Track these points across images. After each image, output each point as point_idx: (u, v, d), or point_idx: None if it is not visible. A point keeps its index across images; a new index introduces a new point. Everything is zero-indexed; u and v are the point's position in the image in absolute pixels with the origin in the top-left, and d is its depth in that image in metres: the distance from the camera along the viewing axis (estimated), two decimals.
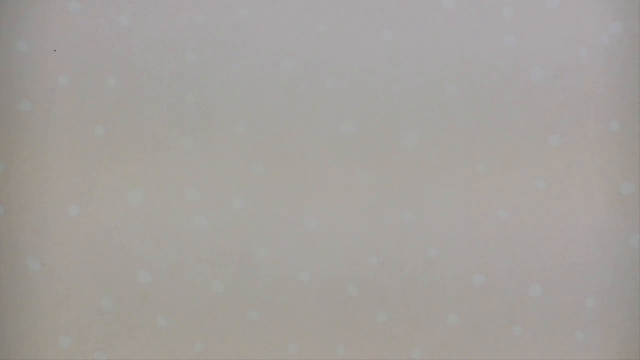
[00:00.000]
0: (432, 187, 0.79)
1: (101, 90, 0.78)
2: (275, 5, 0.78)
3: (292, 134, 0.79)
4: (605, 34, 0.78)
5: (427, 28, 0.79)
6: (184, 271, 0.79)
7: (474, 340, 0.79)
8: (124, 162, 0.78)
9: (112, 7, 0.78)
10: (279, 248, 0.79)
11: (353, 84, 0.79)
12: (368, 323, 0.79)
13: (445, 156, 0.79)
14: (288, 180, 0.79)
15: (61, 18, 0.78)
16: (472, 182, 0.79)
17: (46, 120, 0.78)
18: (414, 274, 0.79)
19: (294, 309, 0.79)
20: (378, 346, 0.79)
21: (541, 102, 0.79)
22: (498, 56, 0.79)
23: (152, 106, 0.79)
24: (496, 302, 0.79)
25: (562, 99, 0.79)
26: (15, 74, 0.77)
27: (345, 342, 0.79)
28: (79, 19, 0.78)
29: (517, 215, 0.79)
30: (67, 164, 0.78)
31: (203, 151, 0.79)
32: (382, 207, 0.79)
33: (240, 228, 0.79)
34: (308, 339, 0.78)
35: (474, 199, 0.79)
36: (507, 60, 0.79)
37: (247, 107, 0.79)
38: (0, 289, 0.77)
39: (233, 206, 0.79)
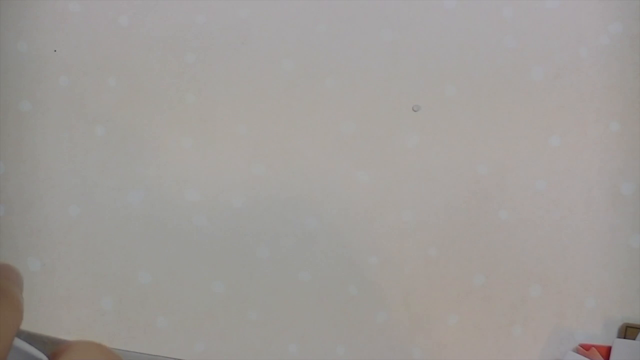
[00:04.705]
0: (432, 187, 0.79)
1: (101, 90, 0.78)
2: (275, 5, 0.78)
3: (292, 134, 0.79)
4: (605, 34, 0.78)
5: (427, 28, 0.79)
6: (184, 271, 0.79)
7: (474, 340, 0.79)
8: (124, 162, 0.78)
9: (112, 7, 0.78)
10: (279, 248, 0.79)
11: (353, 84, 0.79)
12: (368, 323, 0.79)
13: (445, 156, 0.79)
14: (288, 180, 0.79)
15: (61, 18, 0.78)
16: (472, 182, 0.79)
17: (46, 120, 0.78)
18: (414, 274, 0.79)
19: (294, 309, 0.79)
20: (378, 346, 0.79)
21: (541, 102, 0.79)
22: (498, 56, 0.79)
23: (152, 106, 0.79)
24: (496, 302, 0.79)
25: (562, 99, 0.79)
26: (15, 74, 0.77)
27: (345, 342, 0.79)
28: (79, 19, 0.78)
29: (517, 215, 0.79)
30: (67, 164, 0.78)
31: (203, 151, 0.79)
32: (382, 207, 0.79)
33: (240, 228, 0.79)
34: (308, 339, 0.78)
35: (474, 199, 0.79)
36: (507, 60, 0.79)
37: (247, 107, 0.79)
38: None
39: (233, 206, 0.79)
